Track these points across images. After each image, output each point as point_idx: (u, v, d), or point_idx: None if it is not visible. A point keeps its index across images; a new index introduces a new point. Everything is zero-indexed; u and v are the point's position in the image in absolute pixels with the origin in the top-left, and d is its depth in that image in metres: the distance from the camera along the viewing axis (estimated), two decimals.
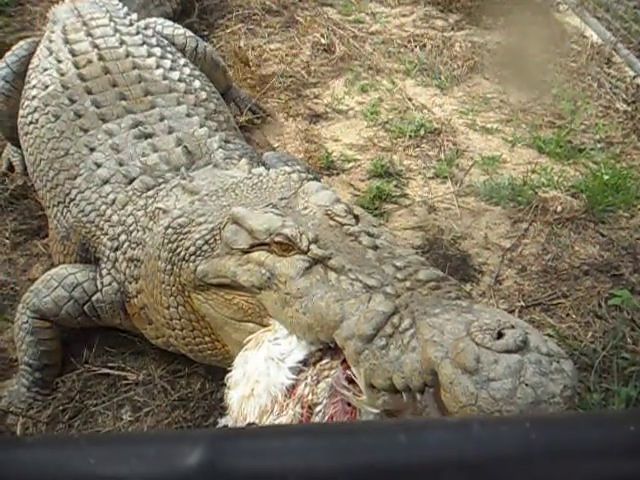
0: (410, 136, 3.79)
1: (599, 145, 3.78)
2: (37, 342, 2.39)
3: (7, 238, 3.04)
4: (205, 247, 1.99)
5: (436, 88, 4.31)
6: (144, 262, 2.20)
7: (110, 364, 2.49)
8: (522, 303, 2.74)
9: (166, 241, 2.09)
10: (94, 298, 2.35)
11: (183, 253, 2.03)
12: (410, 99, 4.18)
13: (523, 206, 3.27)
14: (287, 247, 1.80)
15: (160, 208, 2.21)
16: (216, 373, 2.44)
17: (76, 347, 2.54)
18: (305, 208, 1.94)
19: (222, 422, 2.28)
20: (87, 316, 2.38)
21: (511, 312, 2.69)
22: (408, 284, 1.64)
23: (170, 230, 2.09)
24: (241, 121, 3.77)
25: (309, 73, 4.39)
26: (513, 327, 1.40)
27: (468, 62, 4.51)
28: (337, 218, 1.87)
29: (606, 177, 3.38)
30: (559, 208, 3.24)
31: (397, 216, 3.25)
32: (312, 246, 1.77)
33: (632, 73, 4.36)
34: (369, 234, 1.85)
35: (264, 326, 1.83)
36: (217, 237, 1.98)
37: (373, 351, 1.50)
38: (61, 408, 2.35)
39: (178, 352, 2.28)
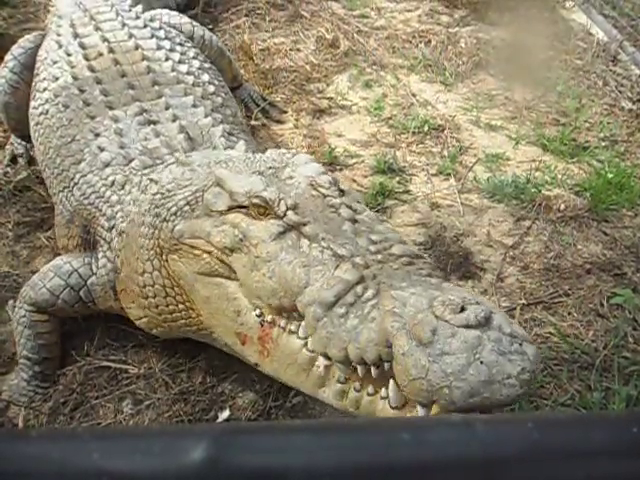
0: (414, 132, 3.78)
1: (603, 143, 3.76)
2: (35, 335, 2.38)
3: (10, 230, 3.04)
4: (186, 208, 2.00)
5: (440, 84, 4.29)
6: (127, 231, 2.21)
7: (111, 357, 2.49)
8: (524, 301, 2.73)
9: (152, 206, 2.11)
10: (89, 282, 2.35)
11: (165, 214, 2.04)
12: (414, 95, 4.16)
13: (526, 204, 3.26)
14: (264, 211, 1.79)
15: (152, 179, 2.24)
16: (217, 367, 2.45)
17: (77, 340, 2.54)
18: (290, 178, 1.91)
19: (222, 416, 2.30)
20: (84, 303, 2.37)
21: (512, 310, 2.69)
22: (380, 257, 1.61)
23: (158, 195, 2.12)
24: (251, 123, 3.76)
25: (313, 68, 4.37)
26: (478, 304, 1.33)
27: (473, 58, 4.49)
28: (320, 189, 1.85)
29: (610, 176, 3.36)
30: (562, 206, 3.23)
31: (400, 212, 3.24)
32: (289, 212, 1.76)
33: (638, 71, 4.34)
34: (351, 208, 1.82)
35: (231, 280, 1.84)
36: (199, 199, 1.99)
37: (331, 318, 1.46)
38: (62, 400, 2.35)
39: (162, 334, 2.27)
